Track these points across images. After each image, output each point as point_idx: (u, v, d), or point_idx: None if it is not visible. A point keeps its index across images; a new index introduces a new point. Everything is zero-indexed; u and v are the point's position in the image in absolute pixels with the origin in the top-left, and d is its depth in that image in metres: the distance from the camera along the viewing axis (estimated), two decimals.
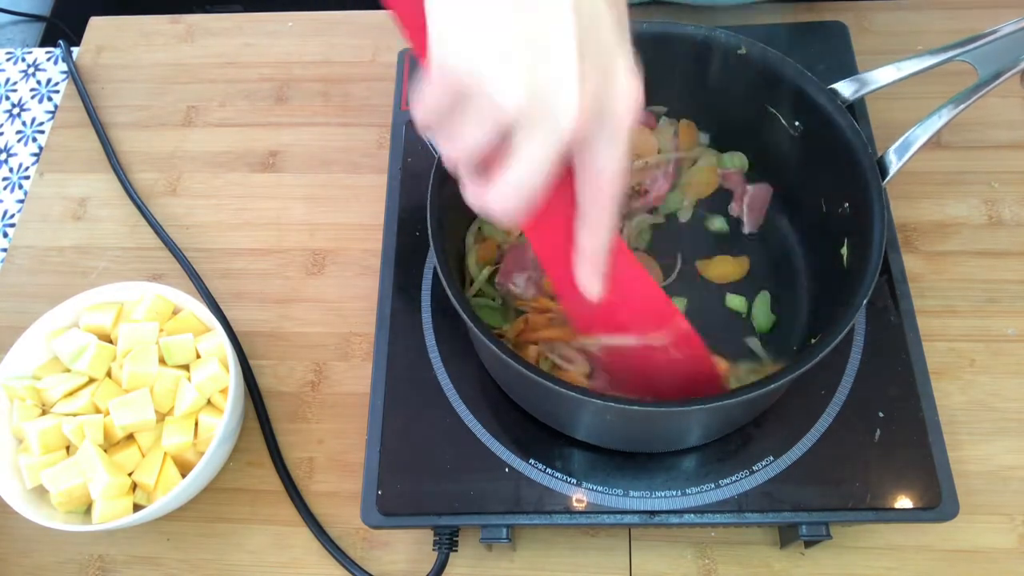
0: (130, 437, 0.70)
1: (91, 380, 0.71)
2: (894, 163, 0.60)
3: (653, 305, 0.53)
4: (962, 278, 0.78)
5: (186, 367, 0.72)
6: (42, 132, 0.96)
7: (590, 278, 0.47)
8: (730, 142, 0.75)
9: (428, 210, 0.60)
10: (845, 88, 0.64)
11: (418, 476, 0.64)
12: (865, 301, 0.55)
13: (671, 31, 0.67)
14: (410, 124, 0.81)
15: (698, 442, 0.64)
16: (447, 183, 0.59)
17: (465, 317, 0.56)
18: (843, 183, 0.62)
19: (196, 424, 0.70)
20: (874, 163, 0.60)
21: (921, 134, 0.60)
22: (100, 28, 1.02)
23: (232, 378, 0.69)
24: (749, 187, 0.72)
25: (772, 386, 0.53)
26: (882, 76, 0.64)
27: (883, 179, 0.60)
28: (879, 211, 0.58)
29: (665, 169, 0.73)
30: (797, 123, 0.66)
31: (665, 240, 0.73)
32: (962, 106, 0.60)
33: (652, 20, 0.66)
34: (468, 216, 0.71)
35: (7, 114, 0.98)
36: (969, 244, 0.80)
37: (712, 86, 0.70)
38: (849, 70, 0.75)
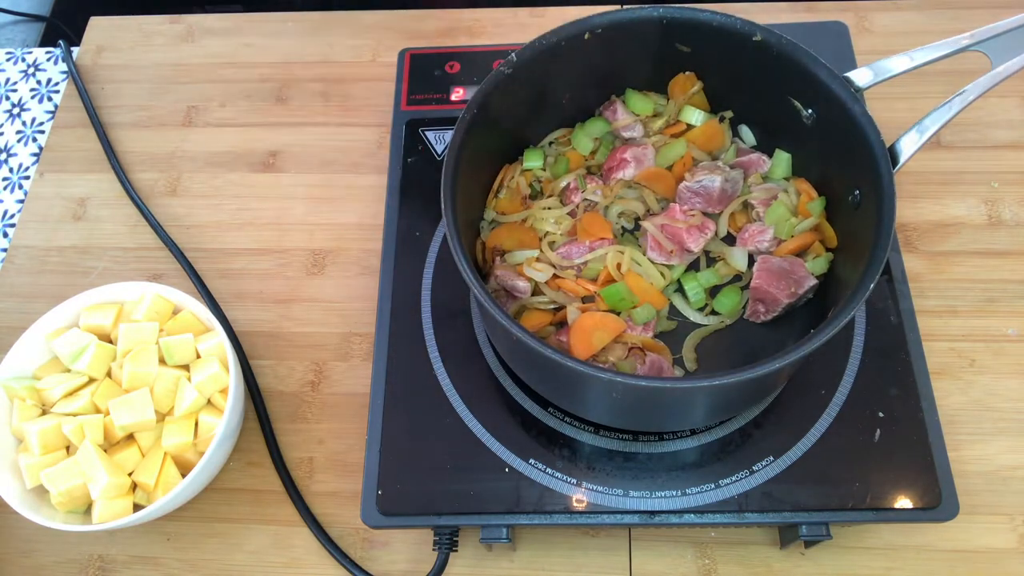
0: (130, 437, 0.70)
1: (91, 380, 0.71)
2: (905, 151, 0.60)
3: None
4: (962, 278, 0.78)
5: (186, 367, 0.72)
6: (42, 132, 0.96)
7: None
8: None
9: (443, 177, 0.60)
10: (859, 76, 0.63)
11: (418, 476, 0.64)
12: (873, 284, 0.54)
13: (687, 16, 0.67)
14: (410, 124, 0.81)
15: (700, 422, 0.64)
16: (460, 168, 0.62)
17: (477, 289, 0.56)
18: (855, 169, 0.62)
19: (196, 424, 0.70)
20: (885, 149, 0.59)
21: (931, 124, 0.60)
22: (100, 28, 1.02)
23: (232, 378, 0.69)
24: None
25: (776, 366, 0.52)
26: (895, 65, 0.63)
27: (894, 167, 0.59)
28: (889, 194, 0.58)
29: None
30: (810, 110, 0.66)
31: None
32: (972, 97, 0.59)
33: (669, 6, 0.67)
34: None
35: (7, 114, 0.98)
36: (969, 244, 0.80)
37: (726, 73, 0.70)
38: (849, 70, 0.74)
